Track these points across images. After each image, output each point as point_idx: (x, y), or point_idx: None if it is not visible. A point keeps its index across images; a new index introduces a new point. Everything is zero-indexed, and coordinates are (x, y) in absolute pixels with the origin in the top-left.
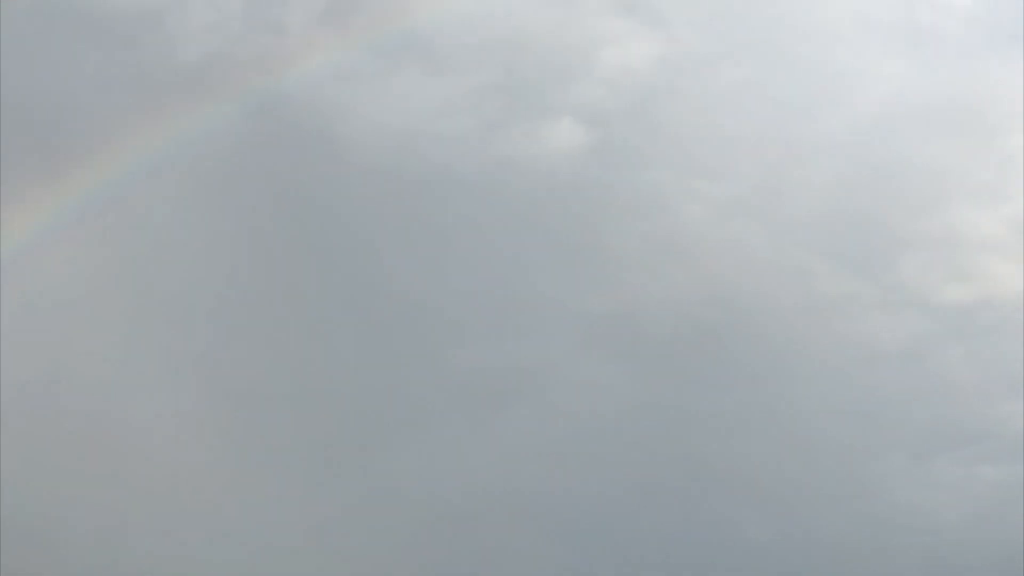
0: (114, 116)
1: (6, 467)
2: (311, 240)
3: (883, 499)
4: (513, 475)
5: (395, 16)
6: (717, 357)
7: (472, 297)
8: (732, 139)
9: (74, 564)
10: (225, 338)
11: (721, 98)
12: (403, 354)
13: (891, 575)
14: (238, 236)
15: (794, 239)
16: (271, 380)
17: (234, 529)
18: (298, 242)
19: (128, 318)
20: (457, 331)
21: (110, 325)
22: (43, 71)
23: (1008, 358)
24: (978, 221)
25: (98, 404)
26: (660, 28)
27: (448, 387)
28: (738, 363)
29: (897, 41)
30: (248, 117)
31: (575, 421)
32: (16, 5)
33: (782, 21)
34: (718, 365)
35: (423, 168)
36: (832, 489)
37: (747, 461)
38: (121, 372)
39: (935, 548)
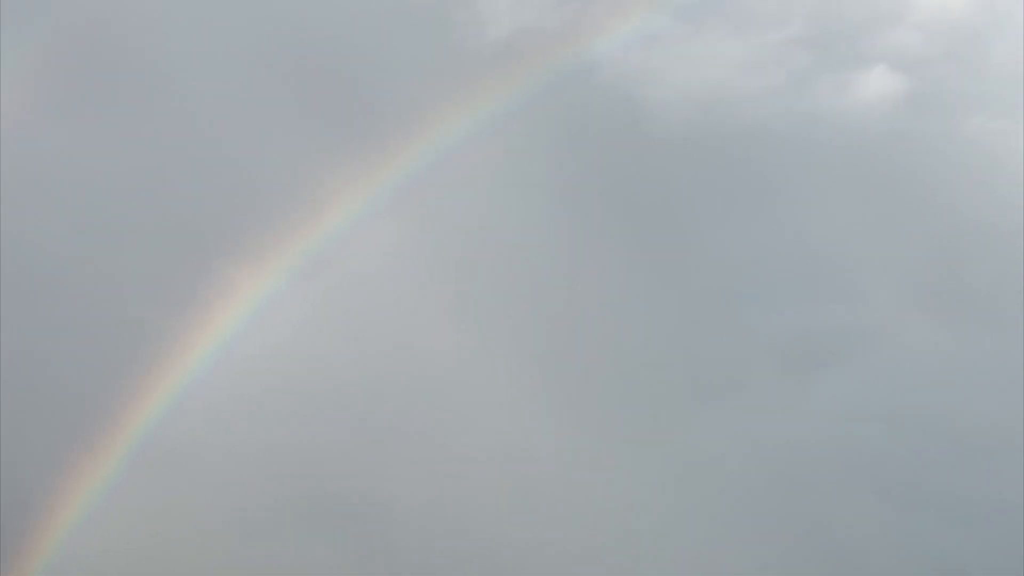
0: (428, 97)
1: (341, 443)
2: (624, 207)
3: None
4: (837, 438)
5: None
6: None
7: (787, 258)
8: None
9: (404, 546)
10: (540, 308)
11: None
12: (718, 319)
13: None
14: (552, 208)
15: None
16: (586, 350)
17: (557, 501)
18: (610, 210)
19: (449, 293)
20: (773, 293)
21: (431, 302)
22: (360, 57)
23: None
24: None
25: (426, 378)
26: None
27: (766, 351)
28: None
29: None
30: (558, 88)
31: (901, 382)
32: None
33: None
34: None
35: (732, 128)
36: None
37: None
38: (444, 346)
39: None
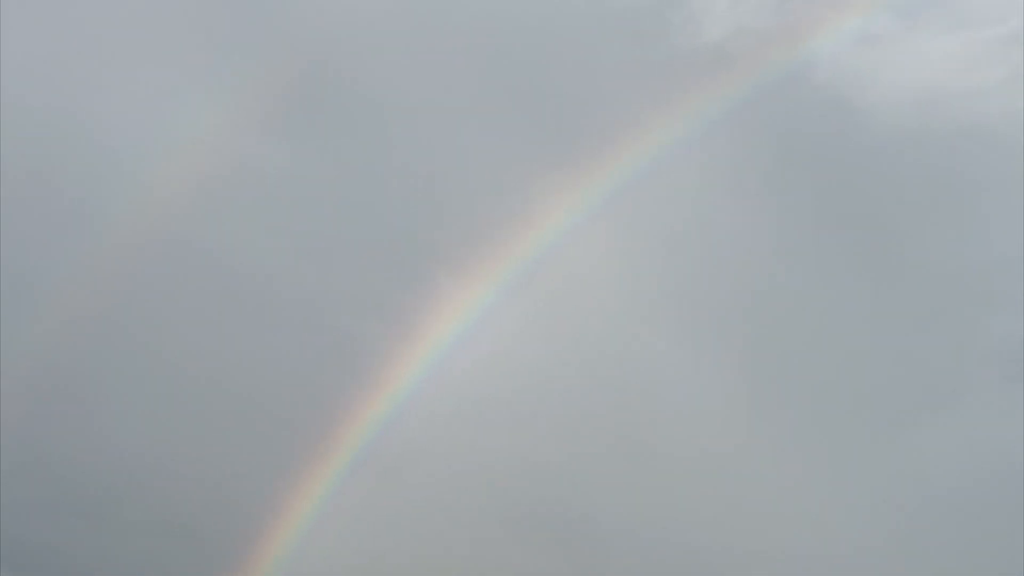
0: (641, 102)
1: (552, 452)
2: (837, 211)
3: None
4: None
5: None
6: None
7: (1006, 262)
8: None
9: (613, 555)
10: (753, 316)
11: None
12: (936, 325)
13: None
14: (765, 214)
15: None
16: (799, 359)
17: (767, 512)
18: (824, 215)
19: (660, 302)
20: (993, 299)
21: (642, 310)
22: (573, 63)
23: None
24: None
25: (636, 387)
26: None
27: (986, 358)
28: None
29: None
30: (772, 90)
31: None
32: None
33: None
34: None
35: (948, 128)
36: None
37: None
38: (655, 355)
39: None
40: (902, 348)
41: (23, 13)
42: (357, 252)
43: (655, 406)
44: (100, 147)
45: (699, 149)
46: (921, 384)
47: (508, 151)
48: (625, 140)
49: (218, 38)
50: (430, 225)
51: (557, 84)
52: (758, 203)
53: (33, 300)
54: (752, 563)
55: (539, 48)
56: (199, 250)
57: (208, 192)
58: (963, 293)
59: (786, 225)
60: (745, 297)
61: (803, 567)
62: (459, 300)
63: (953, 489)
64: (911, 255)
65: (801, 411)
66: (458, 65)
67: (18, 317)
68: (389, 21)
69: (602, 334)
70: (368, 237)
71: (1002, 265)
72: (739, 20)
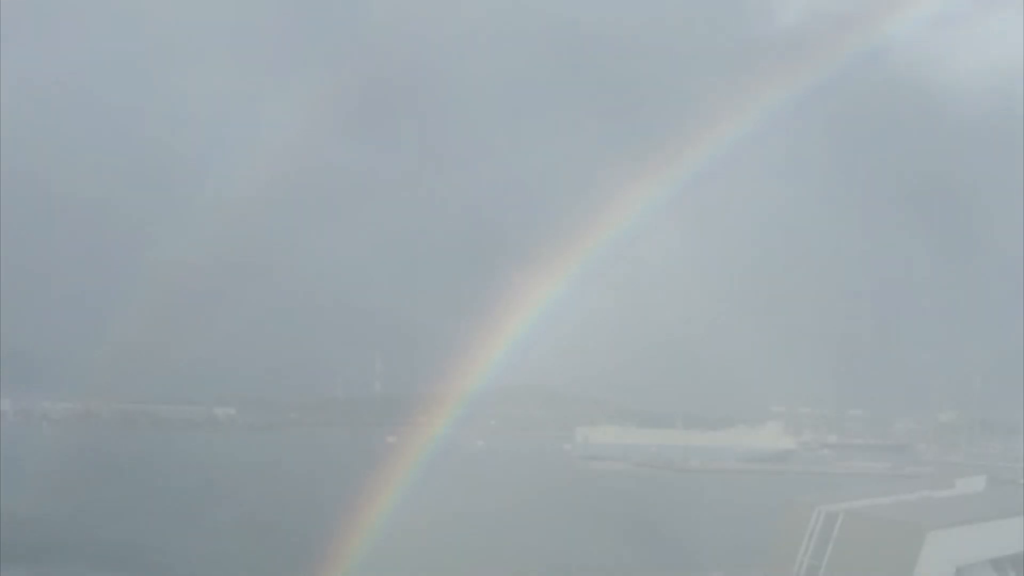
0: (713, 90)
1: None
2: (917, 194)
3: None
4: None
5: None
6: None
7: None
8: None
9: (682, 548)
10: (832, 302)
11: None
12: (1016, 309)
13: None
14: (844, 195)
15: None
16: (880, 348)
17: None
18: (905, 197)
19: (736, 290)
20: None
21: (716, 300)
22: (644, 51)
23: None
24: None
25: (715, 375)
26: None
27: None
28: None
29: None
30: (847, 75)
31: None
32: None
33: None
34: None
35: None
36: None
37: None
38: (731, 342)
39: None
40: (983, 333)
41: (106, 21)
42: (430, 247)
43: (731, 396)
44: (185, 149)
45: (774, 136)
46: (1001, 371)
47: (583, 144)
48: (700, 127)
49: (300, 43)
50: (508, 219)
51: (632, 74)
52: (835, 189)
53: (125, 303)
54: None
55: (614, 39)
56: (279, 249)
57: (287, 192)
58: None
59: (865, 212)
60: (822, 283)
61: None
62: (535, 293)
63: None
64: (991, 239)
65: (884, 403)
66: (530, 60)
67: (113, 319)
68: (463, 23)
69: (677, 323)
70: (440, 233)
71: None
72: (813, 5)
